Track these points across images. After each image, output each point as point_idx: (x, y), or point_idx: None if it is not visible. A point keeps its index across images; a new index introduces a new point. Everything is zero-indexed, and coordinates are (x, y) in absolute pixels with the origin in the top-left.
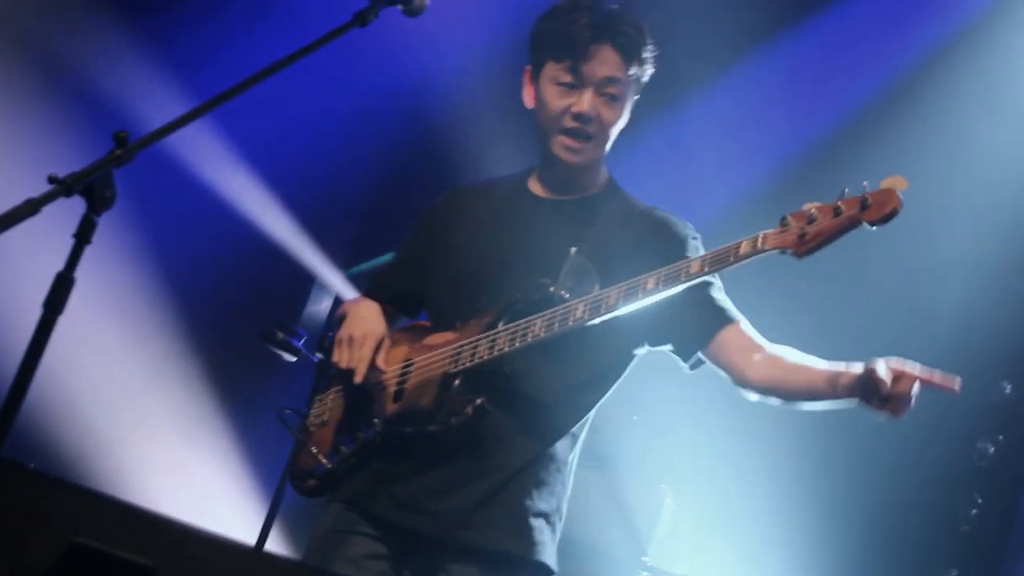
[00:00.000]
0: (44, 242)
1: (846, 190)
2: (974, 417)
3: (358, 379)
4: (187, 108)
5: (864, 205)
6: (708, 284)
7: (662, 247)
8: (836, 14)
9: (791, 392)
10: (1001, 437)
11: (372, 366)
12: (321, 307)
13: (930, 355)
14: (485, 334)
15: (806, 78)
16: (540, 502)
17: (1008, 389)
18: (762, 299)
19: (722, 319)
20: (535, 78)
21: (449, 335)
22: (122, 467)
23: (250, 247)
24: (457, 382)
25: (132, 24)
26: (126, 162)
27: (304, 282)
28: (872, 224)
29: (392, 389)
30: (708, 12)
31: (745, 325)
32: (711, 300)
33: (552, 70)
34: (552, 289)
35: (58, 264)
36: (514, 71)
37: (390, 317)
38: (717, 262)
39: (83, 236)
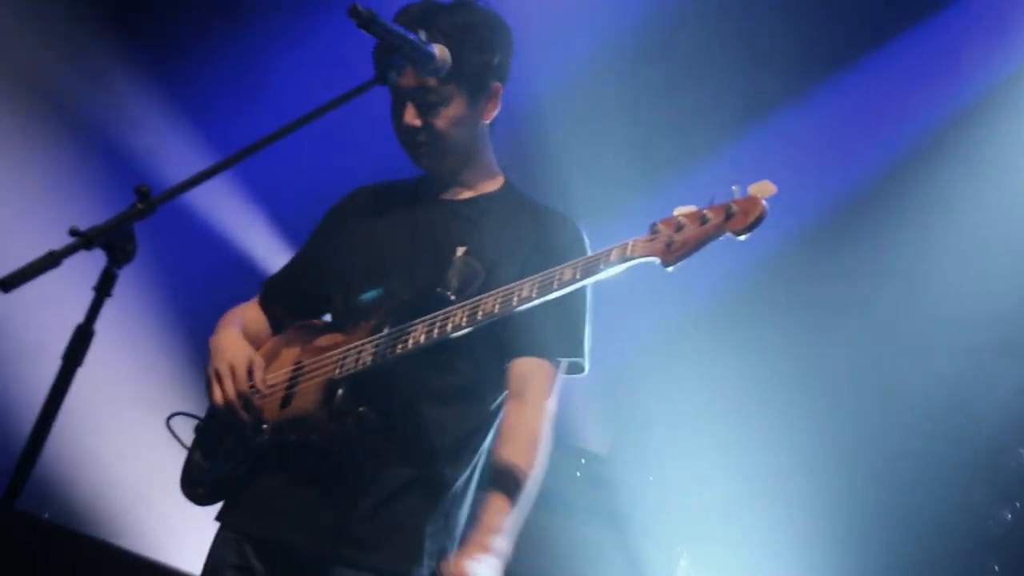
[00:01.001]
0: (64, 294)
1: (714, 197)
2: (990, 485)
3: (242, 415)
4: (209, 161)
5: (729, 213)
6: (570, 301)
7: (549, 247)
8: (868, 66)
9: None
10: (1018, 504)
11: (252, 390)
12: None
13: (946, 424)
14: (370, 338)
15: (842, 127)
16: (425, 523)
17: None
18: (752, 349)
19: (539, 346)
20: None
21: (338, 337)
22: (138, 519)
23: None
24: (341, 390)
25: (154, 77)
26: (147, 216)
27: None
28: (737, 234)
29: (280, 394)
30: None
31: (547, 372)
32: (555, 319)
33: (388, 90)
34: (438, 290)
35: (77, 316)
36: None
37: (279, 321)
38: (588, 269)
39: (103, 289)
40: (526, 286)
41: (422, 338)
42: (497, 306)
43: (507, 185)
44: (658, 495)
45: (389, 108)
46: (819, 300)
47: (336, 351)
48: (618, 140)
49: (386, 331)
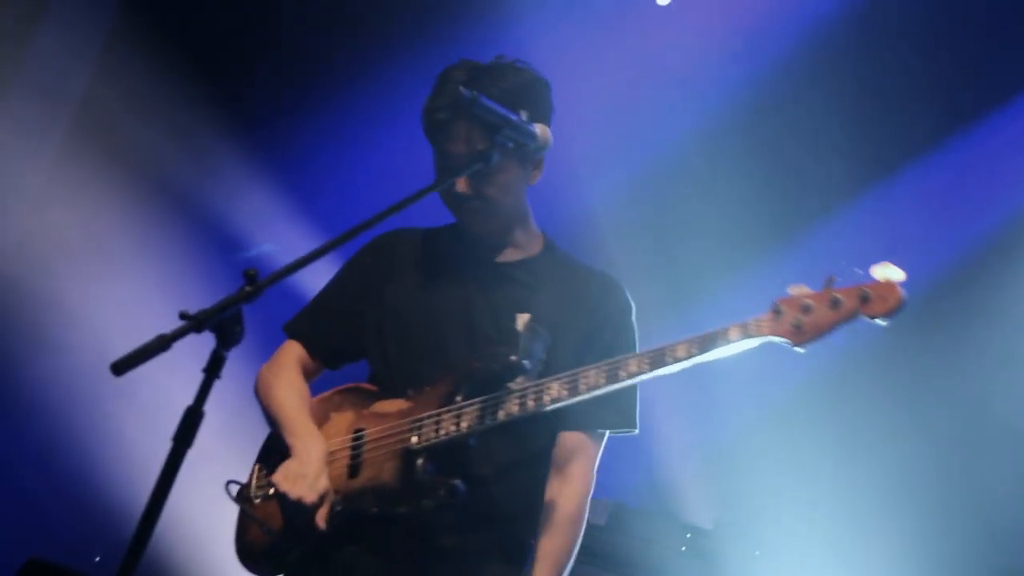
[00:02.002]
0: (173, 375)
1: (835, 278)
2: None
3: (309, 500)
4: (314, 241)
5: (864, 297)
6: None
7: (606, 315)
8: (970, 140)
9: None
10: None
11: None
12: None
13: None
14: (448, 408)
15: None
16: None
17: None
18: (862, 423)
19: (589, 421)
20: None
21: (402, 404)
22: None
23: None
24: (421, 460)
25: (262, 159)
26: (255, 298)
27: None
28: (874, 318)
29: (346, 463)
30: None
31: (594, 448)
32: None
33: (435, 152)
34: (513, 359)
35: (187, 398)
36: None
37: (309, 371)
38: (704, 346)
39: (213, 370)
40: (634, 361)
41: (515, 409)
42: (603, 378)
43: (548, 243)
44: (765, 571)
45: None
46: (924, 370)
47: (405, 419)
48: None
49: (460, 399)
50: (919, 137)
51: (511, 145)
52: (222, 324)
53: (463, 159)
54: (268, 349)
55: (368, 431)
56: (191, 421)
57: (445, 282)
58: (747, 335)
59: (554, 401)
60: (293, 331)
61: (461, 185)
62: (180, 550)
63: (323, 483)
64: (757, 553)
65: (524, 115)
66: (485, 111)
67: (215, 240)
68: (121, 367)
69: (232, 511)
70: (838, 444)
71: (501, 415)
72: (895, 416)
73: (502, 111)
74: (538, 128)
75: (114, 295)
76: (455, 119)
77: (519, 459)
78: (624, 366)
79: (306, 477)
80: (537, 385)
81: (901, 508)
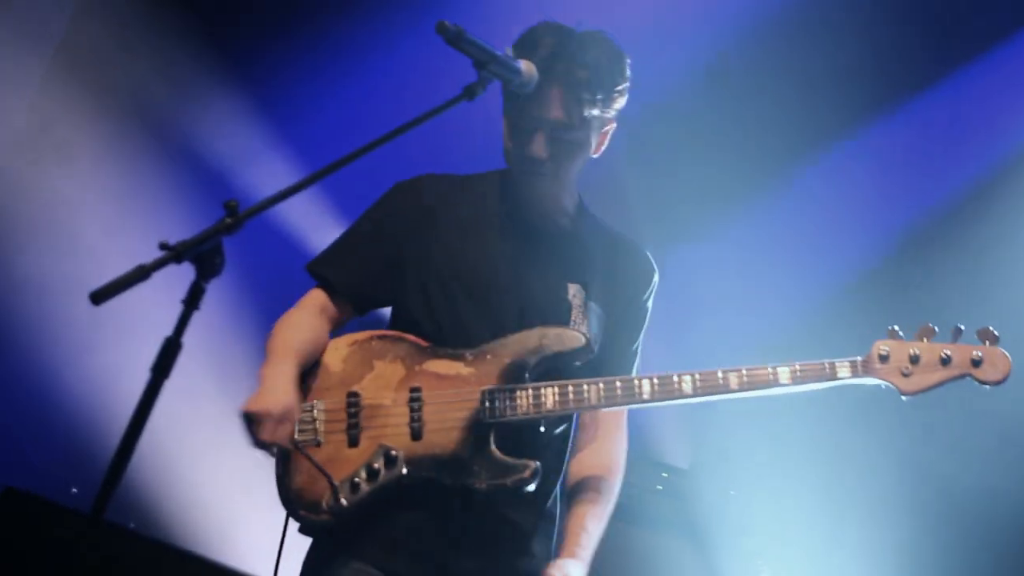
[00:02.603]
0: (153, 307)
1: (935, 329)
2: None
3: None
4: (297, 175)
5: (975, 360)
6: (635, 351)
7: (640, 296)
8: (920, 108)
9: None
10: None
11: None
12: None
13: None
14: (522, 386)
15: (890, 171)
16: (543, 561)
17: None
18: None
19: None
20: (504, 109)
21: (460, 367)
22: (225, 534)
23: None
24: (492, 434)
25: (244, 90)
26: (236, 231)
27: None
28: (983, 383)
29: (406, 423)
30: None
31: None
32: (628, 366)
33: (509, 108)
34: (584, 343)
35: (166, 329)
36: None
37: (333, 318)
38: (808, 378)
39: (192, 302)
40: (733, 377)
41: (601, 401)
42: (698, 390)
43: (583, 206)
44: (739, 510)
45: (504, 126)
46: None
47: (470, 387)
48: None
49: (528, 376)
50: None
51: (496, 81)
52: (201, 255)
53: (548, 123)
54: (252, 283)
55: (425, 392)
56: (169, 352)
57: (493, 239)
58: (855, 374)
59: (644, 403)
60: (317, 272)
61: (538, 149)
62: (157, 481)
63: (287, 400)
64: (732, 493)
65: (509, 51)
66: (469, 45)
67: (199, 173)
68: (100, 296)
69: (205, 442)
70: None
71: (585, 403)
72: None
73: (487, 46)
74: (523, 64)
75: (94, 226)
76: (550, 83)
77: (557, 436)
78: (723, 382)
79: (274, 392)
80: (627, 381)
81: (882, 448)
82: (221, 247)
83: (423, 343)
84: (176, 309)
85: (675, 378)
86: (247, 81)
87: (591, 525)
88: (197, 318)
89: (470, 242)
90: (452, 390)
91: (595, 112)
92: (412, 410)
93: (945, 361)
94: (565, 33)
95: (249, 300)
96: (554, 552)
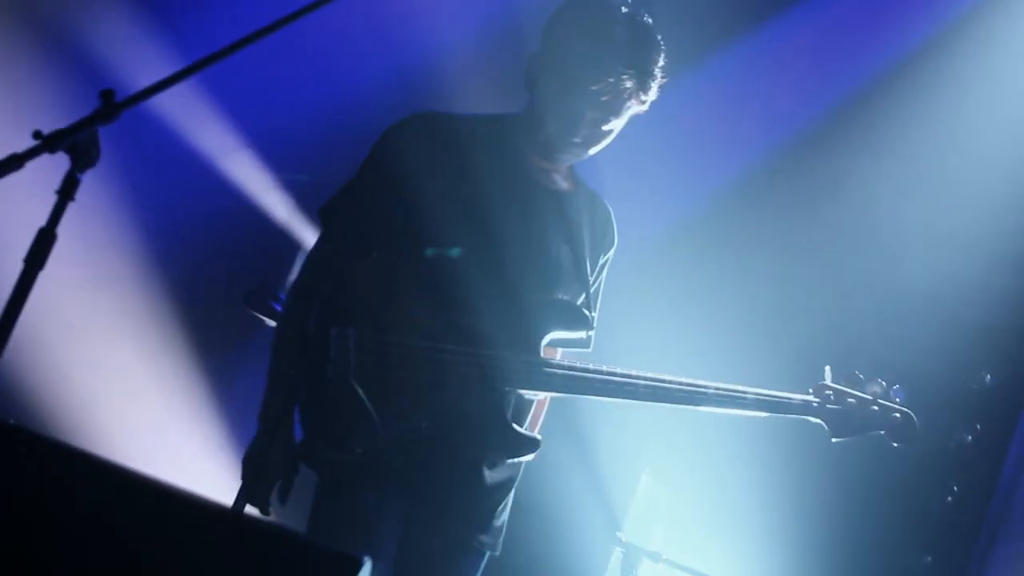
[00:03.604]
0: (27, 197)
1: (862, 377)
2: (953, 406)
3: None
4: (175, 68)
5: (894, 425)
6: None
7: (606, 243)
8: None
9: None
10: (979, 426)
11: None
12: None
13: (911, 343)
14: (538, 362)
15: (789, 69)
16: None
17: (988, 379)
18: (732, 278)
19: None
20: (549, 72)
21: (483, 325)
22: (99, 425)
23: (235, 211)
24: (511, 412)
25: None
26: (111, 121)
27: (290, 250)
28: (894, 443)
29: (430, 374)
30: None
31: None
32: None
33: (573, 82)
34: (589, 333)
35: (40, 220)
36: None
37: (347, 256)
38: (771, 408)
39: (66, 193)
40: (751, 398)
41: (618, 394)
42: (721, 403)
43: (572, 169)
44: (621, 412)
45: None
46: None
47: (490, 349)
48: None
49: (543, 353)
50: None
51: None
52: (76, 145)
53: (598, 108)
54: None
55: (449, 348)
56: (44, 243)
57: (497, 194)
58: (809, 412)
59: (667, 400)
60: (329, 220)
61: (582, 133)
62: (29, 375)
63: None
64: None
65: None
66: None
67: (73, 61)
68: None
69: (79, 334)
70: (700, 285)
71: (594, 395)
72: (773, 262)
73: None
74: None
75: None
76: (626, 99)
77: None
78: (743, 396)
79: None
80: (651, 380)
81: (768, 350)
82: (97, 138)
83: (445, 286)
84: (51, 200)
85: (700, 393)
86: None
87: None
88: (72, 209)
89: (478, 196)
90: (473, 349)
91: (640, 110)
92: (435, 361)
93: (871, 416)
94: (637, 27)
95: (128, 193)
96: None
